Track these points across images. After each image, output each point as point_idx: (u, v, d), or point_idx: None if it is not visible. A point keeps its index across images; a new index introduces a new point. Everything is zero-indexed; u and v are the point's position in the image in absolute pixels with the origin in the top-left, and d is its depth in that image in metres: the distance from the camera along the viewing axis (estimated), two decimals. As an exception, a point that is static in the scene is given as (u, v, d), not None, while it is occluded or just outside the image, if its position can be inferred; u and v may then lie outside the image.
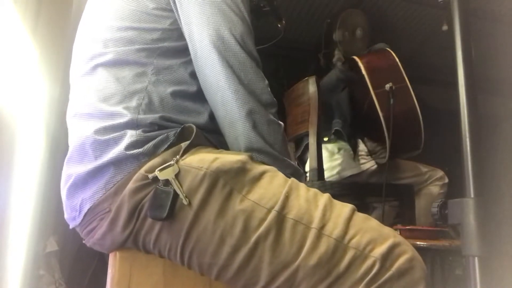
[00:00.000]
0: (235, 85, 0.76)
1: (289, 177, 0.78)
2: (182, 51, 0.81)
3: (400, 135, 1.71)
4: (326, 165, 2.02)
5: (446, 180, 2.08)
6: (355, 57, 1.94)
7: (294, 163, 0.84)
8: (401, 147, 1.75)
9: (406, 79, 1.78)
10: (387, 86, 1.73)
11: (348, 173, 2.00)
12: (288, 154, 0.83)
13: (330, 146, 2.08)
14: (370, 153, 2.03)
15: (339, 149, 2.06)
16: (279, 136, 0.80)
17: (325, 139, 2.07)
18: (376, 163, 2.00)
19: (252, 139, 0.77)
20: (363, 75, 1.84)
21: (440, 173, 2.10)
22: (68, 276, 1.75)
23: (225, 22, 0.77)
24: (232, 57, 0.76)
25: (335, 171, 2.02)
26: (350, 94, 2.04)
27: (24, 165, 1.48)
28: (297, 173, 0.82)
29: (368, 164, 2.02)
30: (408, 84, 1.77)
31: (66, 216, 0.80)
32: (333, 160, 2.04)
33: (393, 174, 2.01)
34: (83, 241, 0.81)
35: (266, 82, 0.81)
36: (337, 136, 2.04)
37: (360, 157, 2.03)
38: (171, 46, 0.80)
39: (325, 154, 2.04)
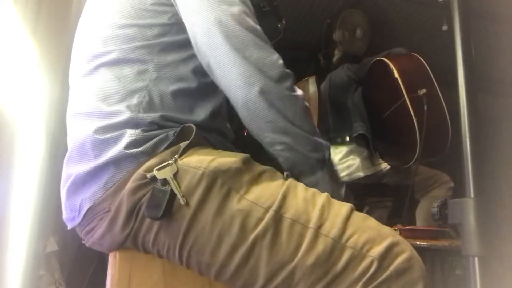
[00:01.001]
0: (240, 67, 0.74)
1: (315, 166, 0.77)
2: (182, 46, 0.80)
3: (428, 141, 1.69)
4: (339, 166, 2.00)
5: (452, 184, 2.06)
6: (385, 59, 1.90)
7: (321, 138, 0.80)
8: (426, 152, 1.73)
9: (437, 87, 1.76)
10: (421, 92, 1.71)
11: (361, 174, 1.98)
12: (313, 126, 0.80)
13: (342, 148, 2.04)
14: (381, 157, 2.02)
15: (351, 152, 2.03)
16: (298, 108, 0.77)
17: (339, 139, 2.04)
18: (390, 165, 1.99)
19: (272, 119, 0.75)
20: (395, 79, 1.81)
21: (446, 177, 2.09)
22: (68, 276, 1.75)
23: (222, 4, 0.76)
24: (234, 38, 0.75)
25: (345, 173, 2.00)
26: (363, 95, 2.01)
27: (24, 165, 1.48)
28: (321, 160, 0.79)
29: (383, 165, 2.01)
30: (438, 92, 1.74)
31: (64, 216, 0.80)
32: (343, 162, 2.02)
33: (401, 176, 2.00)
34: (83, 241, 0.81)
35: (276, 55, 0.78)
36: (358, 139, 2.00)
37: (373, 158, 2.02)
38: (171, 40, 0.80)
39: (336, 156, 2.02)
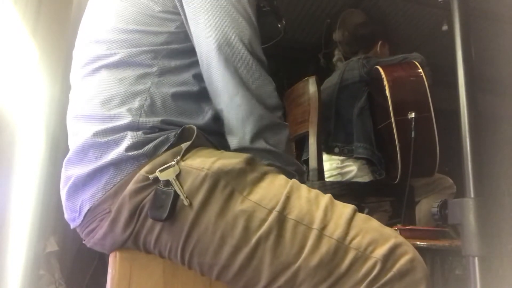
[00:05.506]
0: (242, 91, 0.76)
1: (294, 174, 0.78)
2: (187, 53, 0.80)
3: (414, 164, 1.64)
4: (335, 171, 1.98)
5: (454, 190, 2.02)
6: (381, 71, 1.81)
7: (297, 161, 0.84)
8: (412, 174, 1.67)
9: (431, 108, 1.68)
10: (410, 115, 1.64)
11: (358, 180, 1.96)
12: (292, 154, 0.83)
13: (338, 156, 1.99)
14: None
15: (348, 159, 1.97)
16: (284, 137, 0.81)
17: (336, 150, 1.96)
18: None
19: (257, 144, 0.77)
20: (386, 97, 1.73)
21: (448, 182, 2.04)
22: (68, 276, 1.75)
23: (233, 26, 0.77)
24: (240, 62, 0.76)
25: (339, 179, 1.97)
26: (369, 98, 1.93)
27: (24, 165, 1.48)
28: (300, 170, 0.82)
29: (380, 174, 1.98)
30: (432, 114, 1.67)
31: (66, 216, 0.80)
32: (338, 169, 1.99)
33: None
34: (83, 242, 0.81)
35: (274, 85, 0.80)
36: (358, 158, 1.93)
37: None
38: (177, 47, 0.80)
39: (334, 163, 1.98)
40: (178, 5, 0.79)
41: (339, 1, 2.65)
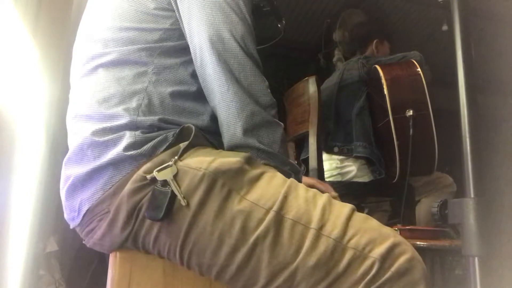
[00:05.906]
0: (234, 88, 0.76)
1: (290, 173, 0.78)
2: (183, 50, 0.80)
3: (412, 162, 1.65)
4: (335, 171, 1.98)
5: (455, 189, 2.01)
6: (379, 70, 1.82)
7: (293, 161, 0.84)
8: (410, 172, 1.68)
9: (429, 106, 1.70)
10: (408, 113, 1.65)
11: (358, 180, 1.96)
12: (287, 154, 0.83)
13: (337, 155, 1.99)
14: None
15: (347, 159, 1.97)
16: (278, 136, 0.80)
17: (336, 149, 1.96)
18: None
19: (249, 141, 0.76)
20: (384, 95, 1.75)
21: (449, 180, 2.04)
22: (68, 276, 1.75)
23: (226, 23, 0.77)
24: (232, 58, 0.76)
25: (339, 179, 1.97)
26: (369, 98, 1.93)
27: (24, 165, 1.48)
28: (295, 170, 0.82)
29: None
30: (430, 112, 1.68)
31: (66, 216, 0.80)
32: (338, 169, 1.99)
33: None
34: (83, 242, 0.81)
35: (267, 83, 0.80)
36: (358, 157, 1.93)
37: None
38: (172, 45, 0.80)
39: (333, 162, 1.99)
40: (172, 1, 0.80)
41: (339, 1, 2.65)
